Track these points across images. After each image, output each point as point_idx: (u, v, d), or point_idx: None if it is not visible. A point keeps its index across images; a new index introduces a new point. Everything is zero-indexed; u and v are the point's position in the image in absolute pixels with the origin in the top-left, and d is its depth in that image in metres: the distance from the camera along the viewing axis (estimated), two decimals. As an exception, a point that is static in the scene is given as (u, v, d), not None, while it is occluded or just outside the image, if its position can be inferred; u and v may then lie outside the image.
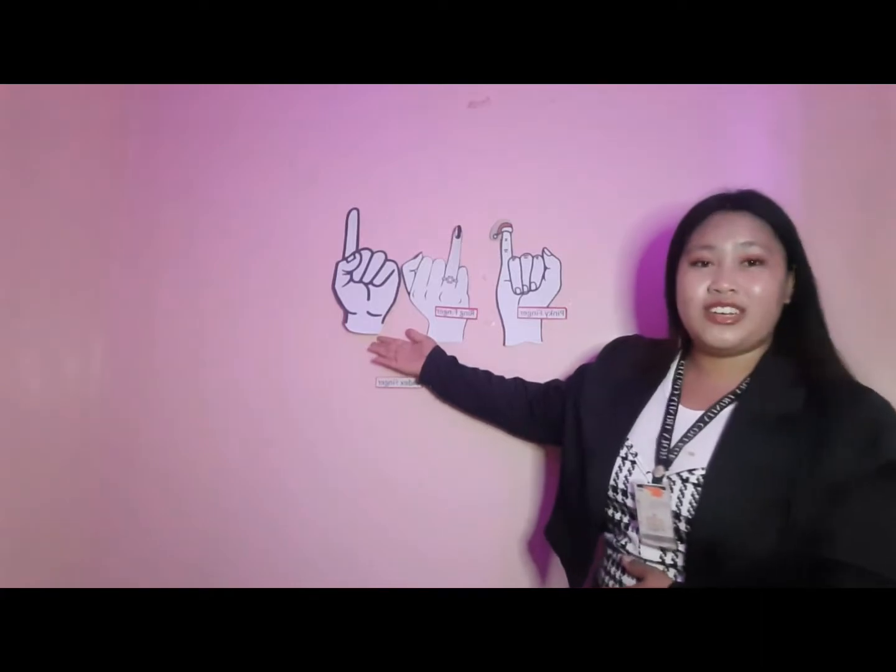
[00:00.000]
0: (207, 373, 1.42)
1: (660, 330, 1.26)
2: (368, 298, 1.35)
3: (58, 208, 1.32)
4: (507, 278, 1.31)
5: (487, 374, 1.25)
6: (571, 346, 1.28)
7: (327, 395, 1.37)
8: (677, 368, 0.97)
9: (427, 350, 1.27)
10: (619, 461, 0.91)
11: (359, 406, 1.35)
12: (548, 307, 1.30)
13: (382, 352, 1.32)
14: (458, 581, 1.26)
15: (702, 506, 0.80)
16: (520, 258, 1.31)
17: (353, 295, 1.36)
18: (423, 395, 1.33)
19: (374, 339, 1.34)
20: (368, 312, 1.35)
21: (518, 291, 1.31)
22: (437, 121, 1.36)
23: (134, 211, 1.47)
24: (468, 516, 1.30)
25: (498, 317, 1.31)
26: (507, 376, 1.29)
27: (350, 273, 1.36)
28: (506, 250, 1.32)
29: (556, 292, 1.29)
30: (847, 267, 1.17)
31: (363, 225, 1.37)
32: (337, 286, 1.37)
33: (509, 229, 1.32)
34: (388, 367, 1.32)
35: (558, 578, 1.27)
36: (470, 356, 1.31)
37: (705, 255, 0.88)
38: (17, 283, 1.23)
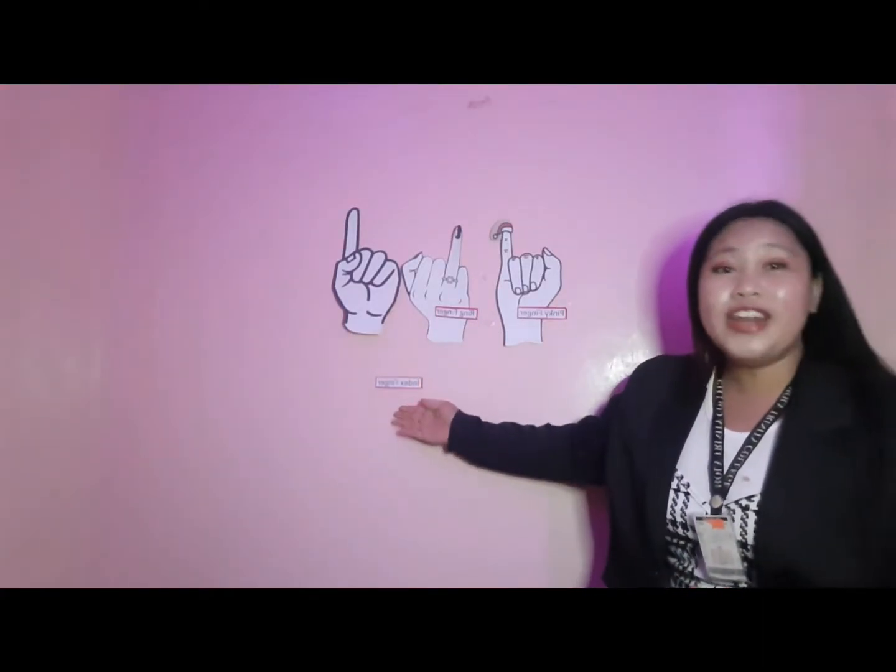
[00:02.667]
0: (207, 372, 1.42)
1: (661, 330, 1.26)
2: (368, 298, 1.35)
3: (57, 208, 1.32)
4: (507, 278, 1.31)
5: (516, 427, 1.20)
6: (571, 346, 1.28)
7: (327, 395, 1.37)
8: (715, 388, 0.92)
9: (448, 417, 1.23)
10: (672, 494, 0.87)
11: (358, 406, 1.35)
12: (548, 307, 1.29)
13: (406, 423, 1.29)
14: (466, 580, 1.25)
15: (763, 531, 0.77)
16: (520, 258, 1.31)
17: (353, 295, 1.36)
18: (423, 395, 1.33)
19: (375, 339, 1.34)
20: (368, 312, 1.35)
21: (518, 291, 1.31)
22: (437, 121, 1.36)
23: (134, 211, 1.47)
24: (472, 512, 1.30)
25: (498, 317, 1.31)
26: (507, 377, 1.29)
27: (350, 273, 1.36)
28: (506, 250, 1.32)
29: (556, 292, 1.29)
30: (847, 267, 1.17)
31: (363, 225, 1.37)
32: (337, 286, 1.37)
33: (509, 229, 1.32)
34: (416, 438, 1.29)
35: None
36: (470, 356, 1.31)
37: (727, 258, 0.85)
38: (18, 284, 1.23)
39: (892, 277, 1.16)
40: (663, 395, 0.96)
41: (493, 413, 1.27)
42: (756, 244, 0.83)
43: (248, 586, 1.34)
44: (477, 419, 1.24)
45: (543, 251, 1.31)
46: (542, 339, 1.30)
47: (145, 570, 1.42)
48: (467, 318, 1.33)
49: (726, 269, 0.85)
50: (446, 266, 1.34)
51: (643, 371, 1.05)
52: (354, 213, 1.37)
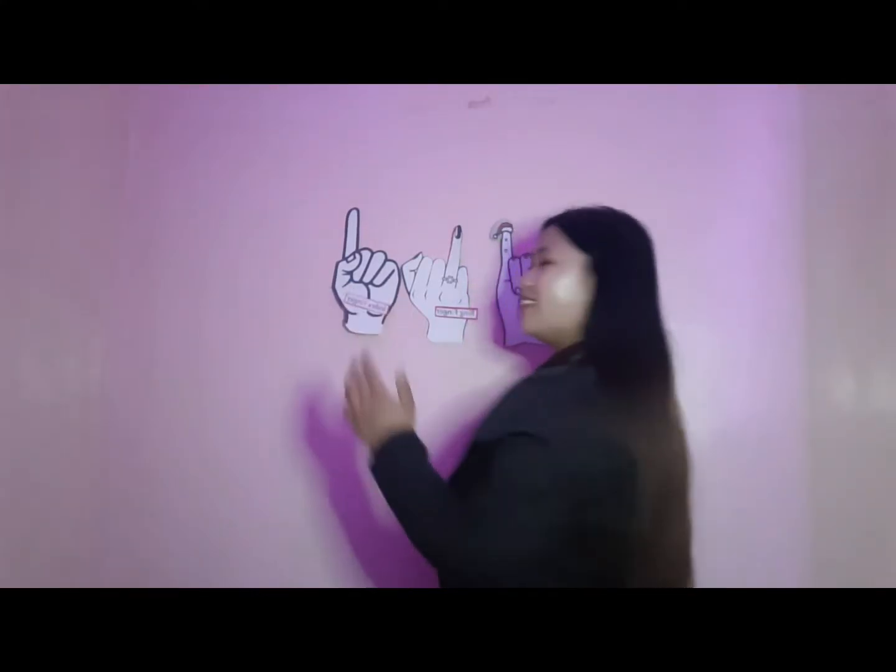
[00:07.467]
0: (207, 373, 1.42)
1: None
2: (368, 298, 1.35)
3: (58, 208, 1.32)
4: (507, 278, 1.31)
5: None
6: (571, 346, 1.28)
7: (327, 395, 1.37)
8: None
9: (410, 414, 1.00)
10: None
11: (359, 406, 1.35)
12: (548, 307, 1.29)
13: (353, 390, 0.98)
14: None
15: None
16: (520, 258, 1.31)
17: (353, 295, 1.36)
18: (423, 395, 1.32)
19: (375, 339, 1.34)
20: (368, 312, 1.35)
21: (518, 291, 1.31)
22: (437, 121, 1.36)
23: (134, 211, 1.48)
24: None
25: (498, 317, 1.31)
26: (509, 376, 1.29)
27: (350, 273, 1.36)
28: (506, 250, 1.32)
29: (556, 292, 1.29)
30: (847, 266, 1.17)
31: (363, 225, 1.37)
32: (337, 286, 1.37)
33: (509, 229, 1.32)
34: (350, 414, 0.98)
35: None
36: (470, 356, 1.31)
37: (530, 261, 1.06)
38: (18, 283, 1.23)
39: (892, 277, 1.16)
40: None
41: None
42: (538, 248, 1.01)
43: (247, 587, 1.34)
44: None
45: (543, 251, 1.30)
46: (542, 339, 1.30)
47: (145, 570, 1.42)
48: (467, 318, 1.33)
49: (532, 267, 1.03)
50: (446, 266, 1.34)
51: None
52: (354, 213, 1.37)
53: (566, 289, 0.94)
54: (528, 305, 0.98)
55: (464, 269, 1.34)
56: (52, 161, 1.29)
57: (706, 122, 1.26)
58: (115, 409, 1.45)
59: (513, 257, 1.32)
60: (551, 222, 1.01)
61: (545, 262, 0.97)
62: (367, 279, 1.36)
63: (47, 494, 1.33)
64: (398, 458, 0.88)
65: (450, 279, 1.34)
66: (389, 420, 0.91)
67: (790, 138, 1.22)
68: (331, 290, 1.37)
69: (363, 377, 0.97)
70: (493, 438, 0.82)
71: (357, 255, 1.37)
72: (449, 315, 1.33)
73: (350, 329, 1.35)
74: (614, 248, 0.96)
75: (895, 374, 1.13)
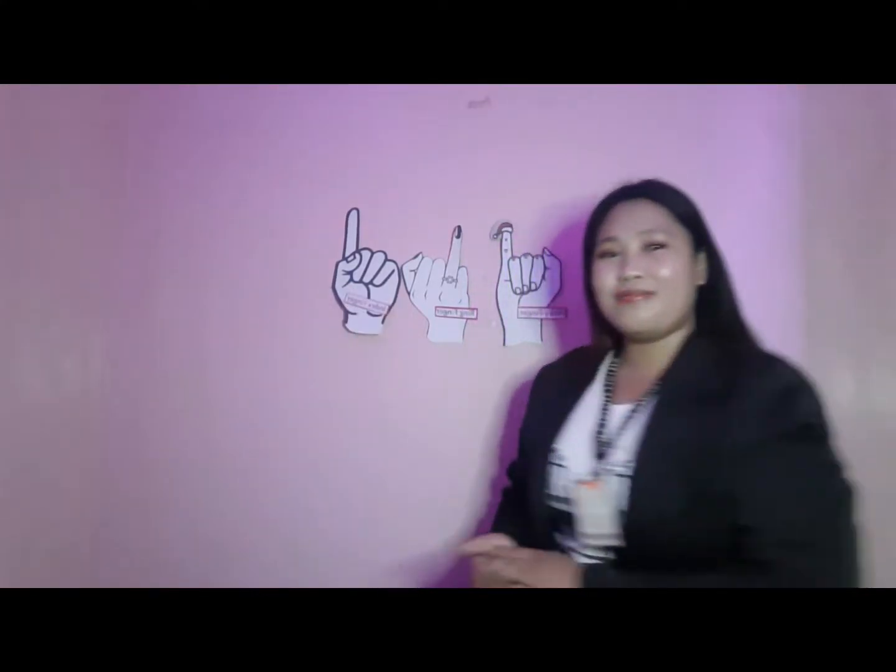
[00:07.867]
0: (207, 373, 1.42)
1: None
2: (368, 298, 1.35)
3: (58, 208, 1.32)
4: (507, 278, 1.31)
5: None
6: (571, 345, 1.28)
7: (327, 395, 1.37)
8: (609, 368, 0.96)
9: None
10: (549, 470, 0.89)
11: (359, 406, 1.35)
12: (548, 307, 1.30)
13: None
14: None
15: (634, 496, 0.79)
16: (520, 258, 1.31)
17: (353, 295, 1.36)
18: (423, 395, 1.33)
19: (375, 339, 1.34)
20: (368, 312, 1.35)
21: (518, 291, 1.31)
22: (437, 121, 1.36)
23: (134, 211, 1.48)
24: (476, 515, 1.30)
25: (498, 317, 1.31)
26: (507, 377, 1.29)
27: (350, 273, 1.36)
28: (506, 250, 1.32)
29: (556, 292, 1.29)
30: (847, 267, 1.17)
31: (363, 225, 1.37)
32: (337, 286, 1.37)
33: (509, 229, 1.32)
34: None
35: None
36: (470, 356, 1.31)
37: (611, 246, 0.90)
38: (18, 284, 1.23)
39: (892, 276, 1.16)
40: (555, 388, 1.00)
41: (493, 412, 1.28)
42: (635, 230, 0.88)
43: (248, 587, 1.34)
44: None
45: (543, 251, 1.31)
46: (542, 340, 1.30)
47: (145, 570, 1.42)
48: (467, 318, 1.33)
49: (612, 254, 0.90)
50: (446, 266, 1.34)
51: (539, 376, 1.07)
52: (354, 213, 1.37)
53: (686, 273, 0.87)
54: (642, 298, 0.86)
55: (464, 269, 1.34)
56: (51, 161, 1.30)
57: (706, 121, 1.26)
58: (115, 408, 1.45)
59: (513, 257, 1.31)
60: (639, 195, 0.91)
61: (654, 246, 0.87)
62: (367, 279, 1.36)
63: (47, 494, 1.33)
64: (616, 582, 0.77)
65: (450, 279, 1.34)
66: (555, 564, 0.81)
67: (790, 138, 1.22)
68: (331, 290, 1.37)
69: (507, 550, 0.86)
70: (761, 438, 0.76)
71: (357, 255, 1.37)
72: (449, 315, 1.33)
73: (350, 329, 1.35)
74: (704, 223, 0.92)
75: (895, 374, 1.13)
